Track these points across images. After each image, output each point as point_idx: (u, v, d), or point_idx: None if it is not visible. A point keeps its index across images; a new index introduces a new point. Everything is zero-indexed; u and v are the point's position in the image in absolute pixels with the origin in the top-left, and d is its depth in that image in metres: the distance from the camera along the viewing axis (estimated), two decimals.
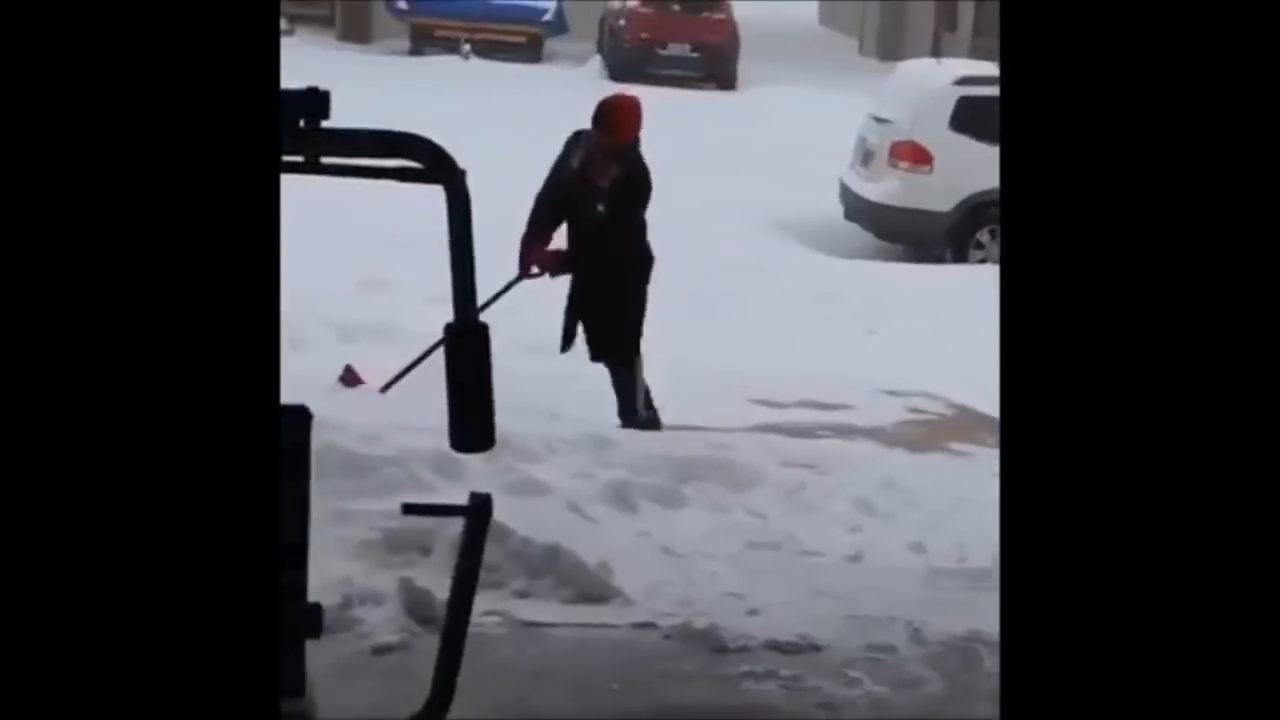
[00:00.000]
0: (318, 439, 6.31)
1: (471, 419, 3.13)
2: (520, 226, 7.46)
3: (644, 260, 7.51)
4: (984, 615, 5.43)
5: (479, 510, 3.29)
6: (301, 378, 6.36)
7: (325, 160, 2.96)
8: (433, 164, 3.02)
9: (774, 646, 5.27)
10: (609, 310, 7.43)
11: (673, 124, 17.82)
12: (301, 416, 3.00)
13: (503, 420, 6.53)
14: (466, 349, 3.10)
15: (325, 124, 2.88)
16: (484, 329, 3.12)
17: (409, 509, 3.55)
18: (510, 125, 16.36)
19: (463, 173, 3.04)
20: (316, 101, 2.81)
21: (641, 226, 7.50)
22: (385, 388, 7.32)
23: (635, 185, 7.32)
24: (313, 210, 9.54)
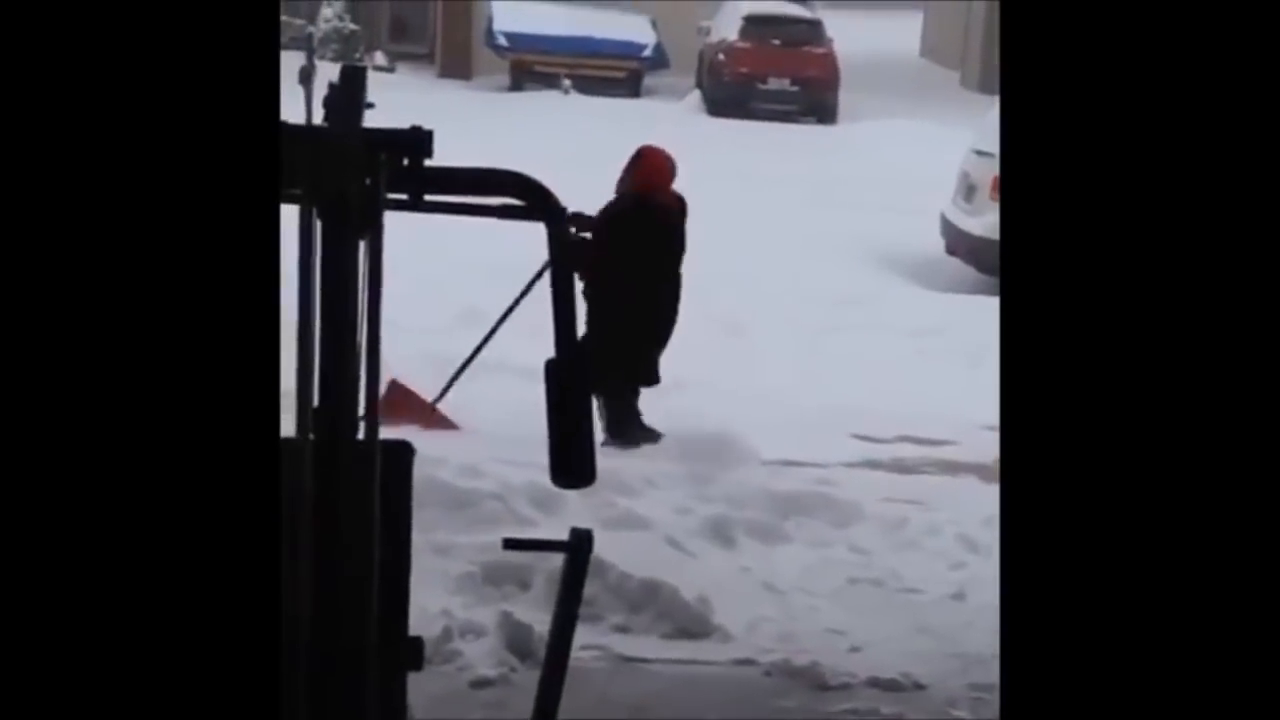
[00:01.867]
0: (419, 471, 6.36)
1: (572, 454, 3.14)
2: None
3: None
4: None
5: (580, 546, 3.29)
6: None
7: (429, 198, 2.98)
8: (535, 201, 3.04)
9: (876, 684, 5.22)
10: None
11: (774, 158, 17.87)
12: (403, 451, 3.02)
13: (600, 456, 6.56)
14: (567, 384, 3.11)
15: (428, 162, 2.90)
16: (585, 362, 3.13)
17: (510, 544, 3.55)
18: (610, 158, 16.42)
19: (564, 210, 3.05)
20: (420, 140, 2.83)
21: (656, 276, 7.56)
22: (436, 401, 7.33)
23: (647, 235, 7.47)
24: (411, 245, 9.64)
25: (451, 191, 3.01)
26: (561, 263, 3.05)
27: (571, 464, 3.14)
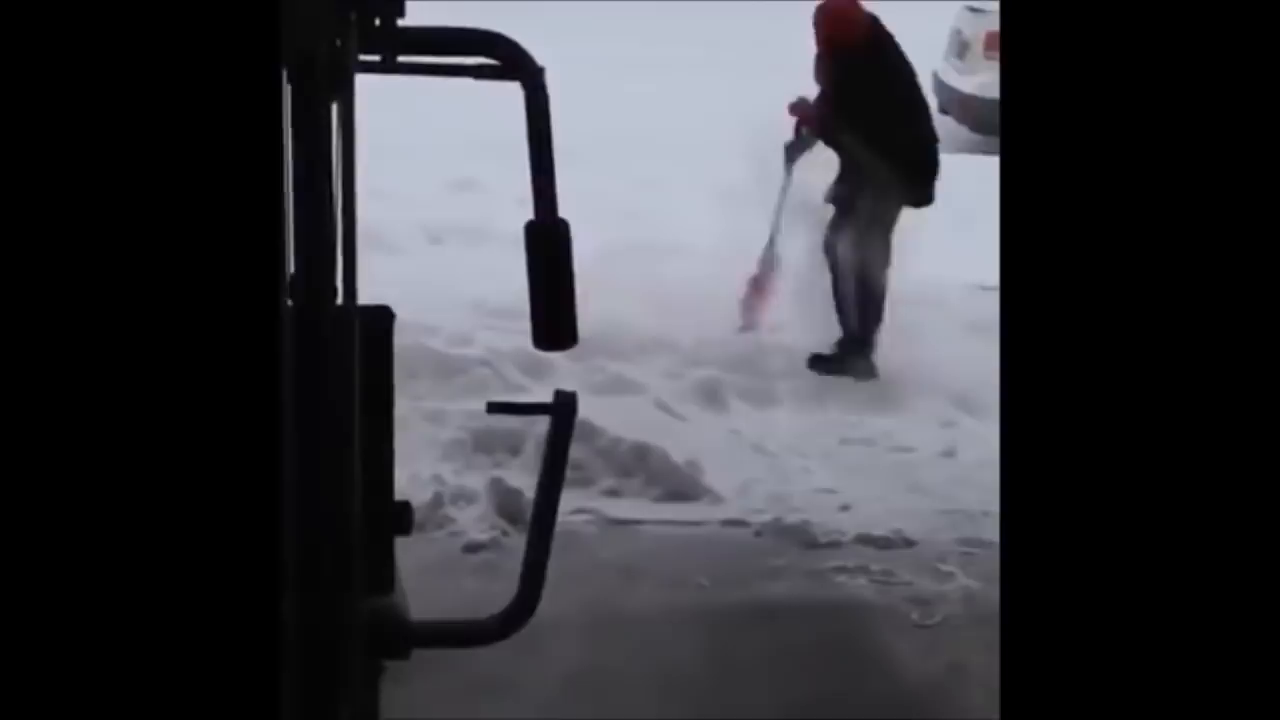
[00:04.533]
0: (409, 340, 6.37)
1: (554, 317, 3.13)
2: None
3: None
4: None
5: (564, 408, 3.29)
6: (396, 283, 6.40)
7: (402, 59, 2.94)
8: (510, 61, 3.00)
9: (866, 541, 5.26)
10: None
11: (777, 23, 17.64)
12: (383, 316, 3.01)
13: (593, 321, 6.57)
14: (548, 247, 3.09)
15: (401, 21, 2.86)
16: (565, 226, 3.11)
17: (494, 407, 3.55)
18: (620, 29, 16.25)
19: (541, 70, 3.01)
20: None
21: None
22: None
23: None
24: (397, 114, 9.55)
25: (425, 52, 2.97)
26: (537, 124, 3.02)
27: (553, 326, 3.13)
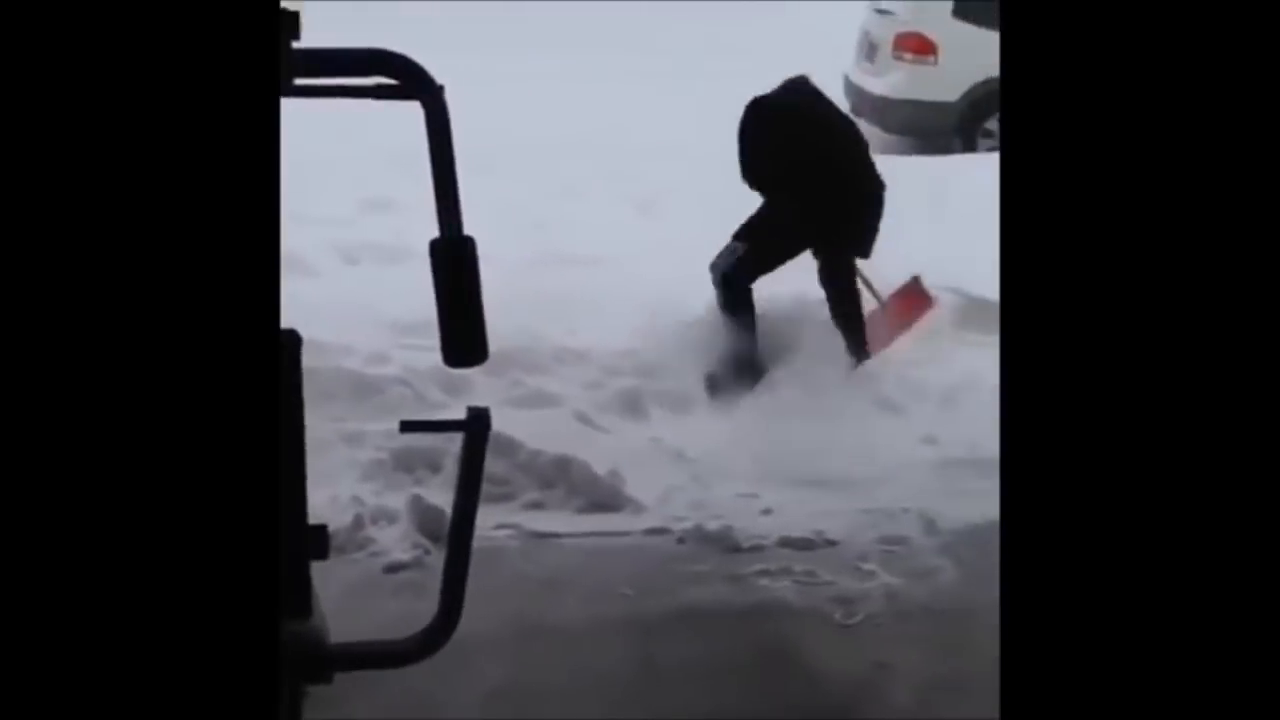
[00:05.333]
0: (326, 362, 6.32)
1: (462, 333, 3.12)
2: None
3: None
4: (996, 503, 5.42)
5: (477, 424, 3.28)
6: (312, 305, 6.37)
7: (299, 81, 2.93)
8: (408, 80, 2.99)
9: (788, 544, 5.28)
10: None
11: (683, 19, 17.71)
12: (290, 339, 3.00)
13: (510, 335, 6.56)
14: (453, 264, 3.09)
15: (296, 45, 2.85)
16: (470, 243, 3.11)
17: (407, 426, 3.54)
18: (537, 38, 16.25)
19: (440, 87, 3.01)
20: (286, 21, 2.77)
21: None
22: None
23: None
24: (308, 133, 9.48)
25: (321, 74, 2.96)
26: (438, 141, 3.02)
27: (462, 342, 3.12)
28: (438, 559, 4.69)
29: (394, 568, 5.03)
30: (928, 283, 8.74)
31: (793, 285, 7.43)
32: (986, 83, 11.94)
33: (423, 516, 5.21)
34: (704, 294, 7.29)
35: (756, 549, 5.24)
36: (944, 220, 9.84)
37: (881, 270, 8.98)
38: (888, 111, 12.67)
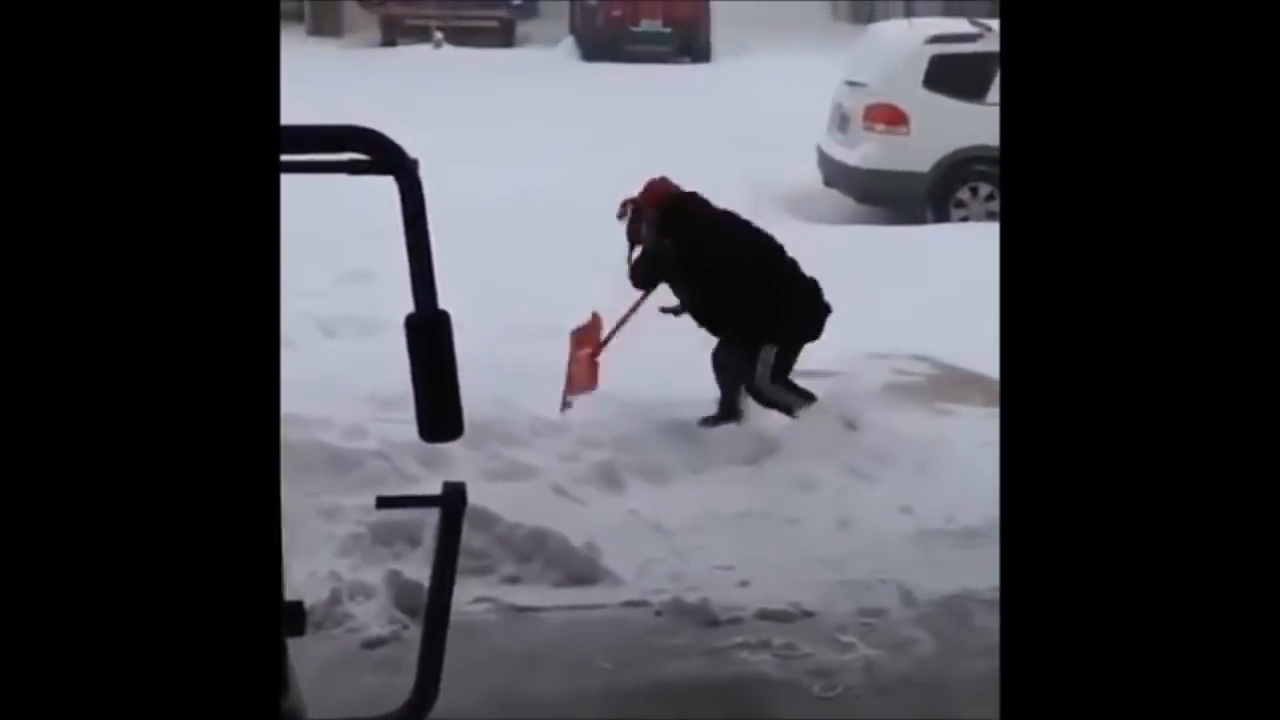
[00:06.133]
0: (304, 435, 6.30)
1: (438, 408, 3.12)
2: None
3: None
4: (973, 574, 5.45)
5: (453, 499, 3.28)
6: (290, 377, 6.36)
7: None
8: (381, 155, 3.01)
9: (766, 616, 5.28)
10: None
11: (648, 99, 17.84)
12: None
13: (486, 407, 6.55)
14: (428, 339, 3.10)
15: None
16: (445, 318, 3.12)
17: (383, 502, 3.52)
18: (484, 111, 16.35)
19: (414, 162, 3.03)
20: None
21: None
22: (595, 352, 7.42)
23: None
24: (284, 204, 9.50)
25: (294, 150, 2.98)
26: (413, 215, 3.03)
27: (437, 417, 3.12)
28: (416, 634, 4.66)
29: (372, 643, 5.01)
30: (900, 350, 8.78)
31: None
32: (958, 153, 12.07)
33: (400, 591, 5.19)
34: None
35: (734, 621, 5.24)
36: (916, 289, 9.90)
37: (854, 339, 9.02)
38: (860, 181, 12.77)
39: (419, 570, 5.21)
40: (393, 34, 23.86)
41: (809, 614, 5.30)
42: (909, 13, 19.62)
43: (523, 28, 24.53)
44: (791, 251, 11.29)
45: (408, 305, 3.06)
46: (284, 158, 2.97)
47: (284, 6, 25.20)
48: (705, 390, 7.82)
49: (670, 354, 7.67)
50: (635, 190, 7.61)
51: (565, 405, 7.30)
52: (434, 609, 3.29)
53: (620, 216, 7.56)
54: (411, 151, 3.02)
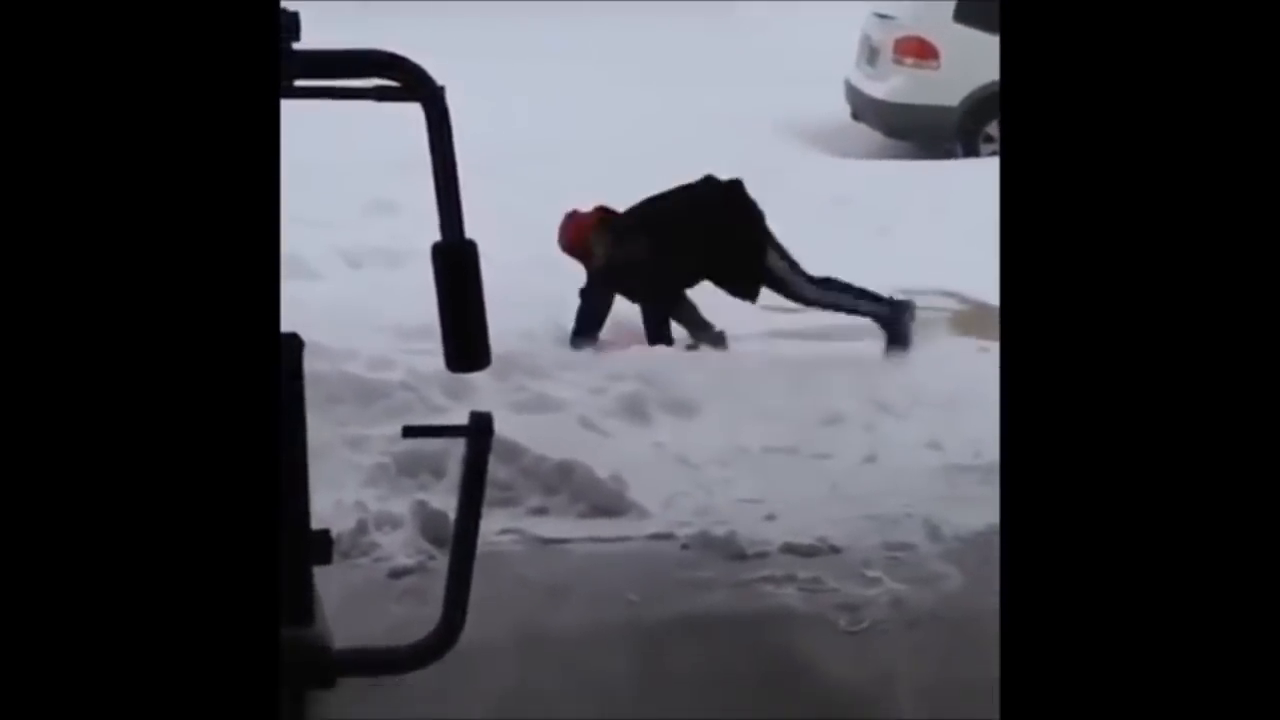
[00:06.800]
0: (330, 366, 6.31)
1: (465, 338, 3.11)
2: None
3: None
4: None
5: (480, 429, 3.26)
6: (316, 309, 6.37)
7: (299, 83, 2.91)
8: (409, 82, 2.98)
9: (792, 550, 5.25)
10: None
11: (672, 33, 17.71)
12: (292, 343, 2.98)
13: (513, 340, 6.55)
14: (455, 267, 3.07)
15: (296, 45, 2.83)
16: (472, 246, 3.09)
17: (409, 431, 3.52)
18: (508, 47, 16.26)
19: (441, 88, 2.99)
20: (285, 22, 2.76)
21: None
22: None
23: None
24: (311, 135, 9.46)
25: (321, 75, 2.95)
26: (440, 142, 3.00)
27: (464, 347, 3.11)
28: (442, 564, 4.66)
29: (398, 573, 5.01)
30: (927, 286, 8.74)
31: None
32: (988, 87, 11.94)
33: (427, 522, 5.19)
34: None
35: (761, 555, 5.22)
36: (944, 225, 9.84)
37: (880, 275, 8.98)
38: (888, 115, 12.68)
39: (445, 501, 5.20)
40: None
41: (836, 549, 5.28)
42: None
43: None
44: (820, 186, 11.26)
45: (434, 237, 3.03)
46: (308, 83, 2.95)
47: None
48: (732, 324, 7.81)
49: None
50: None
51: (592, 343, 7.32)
52: (460, 538, 3.29)
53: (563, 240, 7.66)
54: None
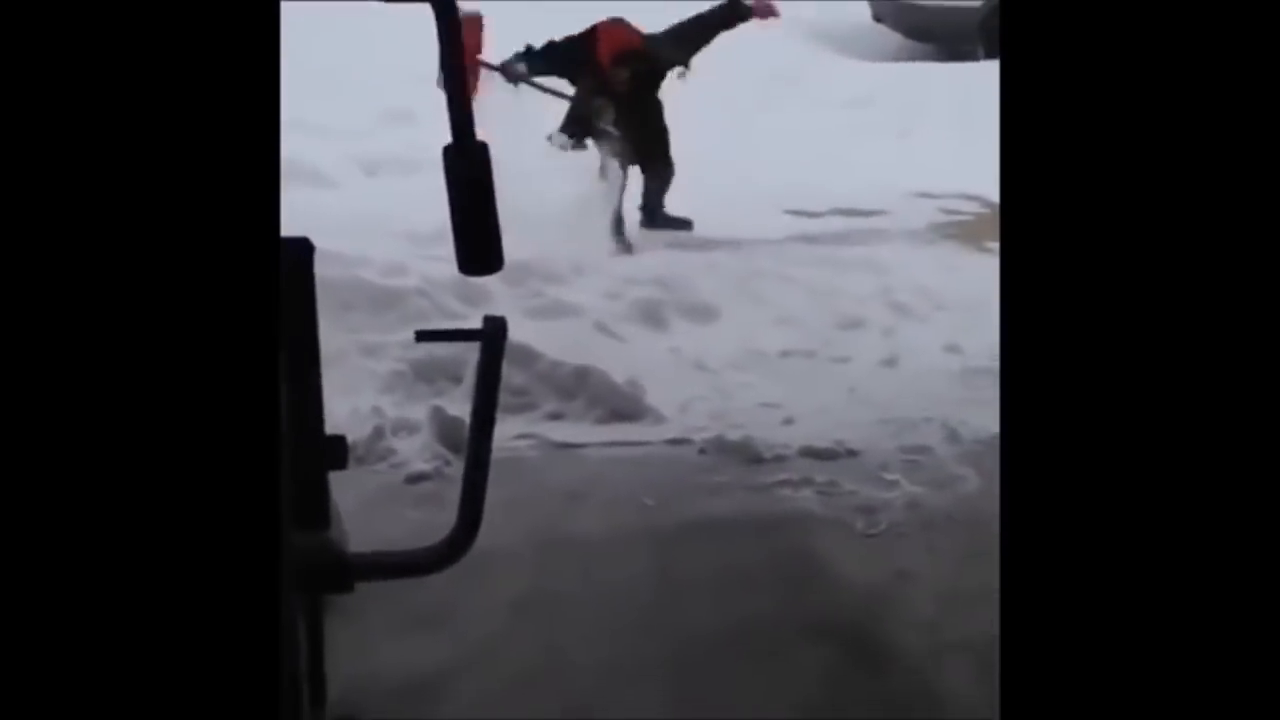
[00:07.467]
0: (344, 272, 6.29)
1: (477, 240, 3.08)
2: None
3: None
4: None
5: (494, 333, 3.25)
6: (330, 216, 6.34)
7: None
8: None
9: (810, 453, 5.25)
10: None
11: None
12: (302, 247, 2.96)
13: (528, 246, 6.54)
14: (466, 170, 3.05)
15: None
16: (483, 148, 3.06)
17: (423, 336, 3.50)
18: None
19: None
20: None
21: None
22: None
23: None
24: (328, 44, 9.42)
25: None
26: (450, 43, 2.97)
27: (477, 250, 3.08)
28: (458, 469, 4.66)
29: (415, 478, 5.02)
30: (948, 190, 8.68)
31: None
32: None
33: (443, 427, 5.19)
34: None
35: (778, 459, 5.21)
36: (966, 128, 9.76)
37: (899, 178, 8.92)
38: (910, 16, 12.56)
39: (463, 406, 5.18)
40: None
41: (853, 452, 5.27)
42: None
43: None
44: (839, 89, 11.17)
45: (446, 142, 2.99)
46: None
47: None
48: (750, 229, 7.78)
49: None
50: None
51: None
52: (475, 443, 3.28)
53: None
54: None
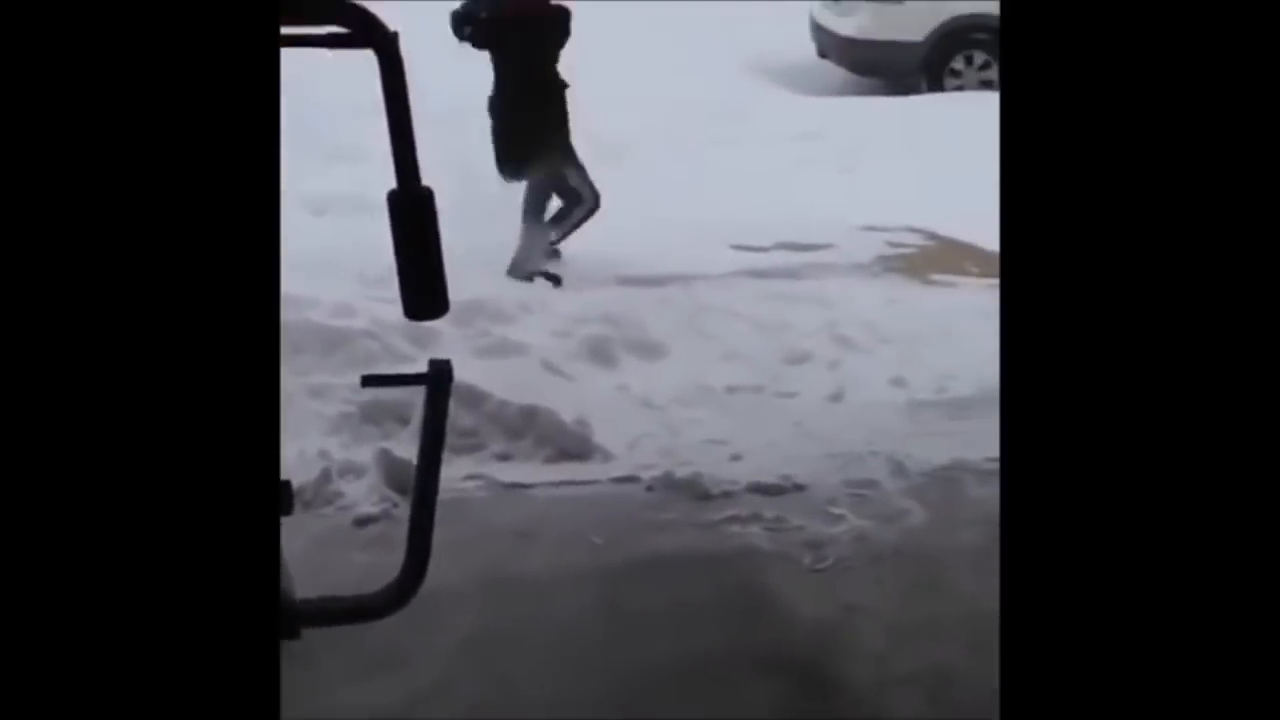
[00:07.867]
0: (293, 314, 6.27)
1: (422, 286, 3.10)
2: None
3: None
4: (964, 444, 5.45)
5: (439, 376, 3.26)
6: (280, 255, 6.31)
7: None
8: (360, 28, 2.95)
9: (757, 489, 5.27)
10: None
11: None
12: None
13: (475, 285, 6.53)
14: (411, 215, 3.06)
15: None
16: (428, 194, 3.08)
17: (368, 381, 3.51)
18: None
19: (394, 34, 2.97)
20: None
21: None
22: None
23: None
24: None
25: None
26: (394, 90, 2.98)
27: (422, 295, 3.10)
28: (406, 511, 4.67)
29: (363, 521, 5.02)
30: (893, 222, 8.74)
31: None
32: (953, 20, 11.92)
33: (391, 469, 5.19)
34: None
35: (726, 495, 5.24)
36: (909, 161, 9.84)
37: (845, 211, 8.98)
38: (854, 52, 12.64)
39: (410, 449, 5.17)
40: None
41: (800, 487, 5.30)
42: None
43: None
44: (785, 124, 11.24)
45: (389, 184, 3.01)
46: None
47: None
48: (698, 265, 7.81)
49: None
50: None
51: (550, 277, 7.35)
52: (421, 486, 3.29)
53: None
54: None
